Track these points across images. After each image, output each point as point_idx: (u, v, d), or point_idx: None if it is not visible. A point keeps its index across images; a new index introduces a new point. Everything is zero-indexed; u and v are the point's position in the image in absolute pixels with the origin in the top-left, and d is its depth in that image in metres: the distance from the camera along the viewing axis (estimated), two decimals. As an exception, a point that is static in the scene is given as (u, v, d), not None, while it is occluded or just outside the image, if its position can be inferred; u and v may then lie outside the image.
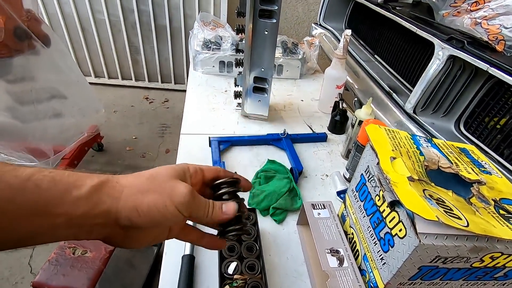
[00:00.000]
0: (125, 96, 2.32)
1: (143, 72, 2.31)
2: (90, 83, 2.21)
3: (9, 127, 1.39)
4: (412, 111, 0.74)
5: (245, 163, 0.77)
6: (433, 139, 0.48)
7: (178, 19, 2.03)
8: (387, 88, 0.88)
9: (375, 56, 1.05)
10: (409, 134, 0.48)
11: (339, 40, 1.28)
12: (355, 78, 1.04)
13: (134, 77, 2.33)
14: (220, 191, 0.33)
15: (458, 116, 0.69)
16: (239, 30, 0.79)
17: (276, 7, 0.73)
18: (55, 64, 1.37)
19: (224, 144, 0.80)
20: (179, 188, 0.27)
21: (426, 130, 0.71)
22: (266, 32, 0.76)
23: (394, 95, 0.84)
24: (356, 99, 0.97)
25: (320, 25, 1.37)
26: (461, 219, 0.33)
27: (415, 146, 0.45)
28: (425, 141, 0.47)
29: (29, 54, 1.22)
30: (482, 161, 0.46)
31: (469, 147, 0.49)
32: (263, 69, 0.83)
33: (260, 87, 0.87)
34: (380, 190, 0.41)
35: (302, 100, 1.07)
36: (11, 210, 0.20)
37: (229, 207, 0.30)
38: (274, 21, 0.74)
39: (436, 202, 0.35)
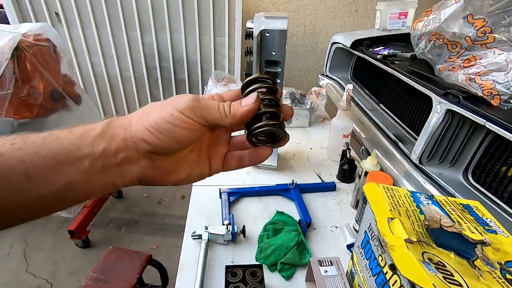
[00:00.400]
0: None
1: (163, 121, 2.46)
2: (114, 132, 2.36)
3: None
4: (418, 161, 0.75)
5: (255, 215, 0.79)
6: (434, 196, 0.49)
7: (196, 73, 2.21)
8: (392, 137, 0.90)
9: (380, 105, 1.09)
10: (408, 191, 0.49)
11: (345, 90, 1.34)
12: (361, 127, 1.07)
13: (155, 126, 2.48)
14: (248, 89, 0.28)
15: (466, 166, 0.69)
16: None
17: (280, 69, 0.80)
18: (84, 119, 1.50)
19: (234, 196, 0.82)
20: (181, 97, 0.27)
21: (434, 180, 0.70)
22: (272, 91, 0.82)
23: (400, 144, 0.85)
24: (363, 147, 0.99)
25: (326, 75, 1.46)
26: (461, 286, 0.33)
27: (415, 204, 0.46)
28: (426, 198, 0.48)
29: (62, 111, 1.36)
30: (487, 219, 0.45)
31: (473, 203, 0.48)
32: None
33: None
34: (382, 251, 0.41)
35: (311, 148, 1.10)
36: (39, 162, 0.22)
37: (247, 99, 0.27)
38: (278, 81, 0.81)
39: (435, 267, 0.35)
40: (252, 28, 0.77)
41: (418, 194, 0.48)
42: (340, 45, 1.33)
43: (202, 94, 2.20)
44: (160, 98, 2.32)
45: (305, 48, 2.45)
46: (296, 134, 1.22)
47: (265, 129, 0.27)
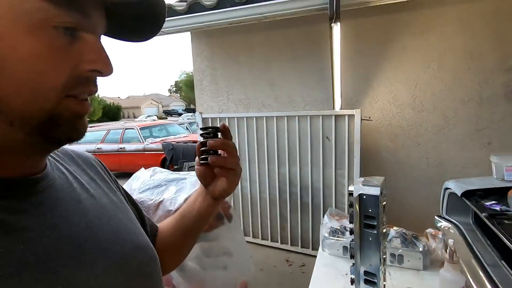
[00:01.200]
0: (270, 256, 2.78)
1: (287, 237, 2.80)
2: (247, 241, 2.85)
3: (194, 271, 2.01)
4: None
5: None
6: None
7: (318, 198, 2.57)
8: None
9: (502, 261, 1.05)
10: None
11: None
12: (479, 284, 1.03)
13: (280, 240, 2.84)
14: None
15: None
16: (351, 232, 1.10)
17: (376, 223, 1.02)
18: (231, 232, 2.02)
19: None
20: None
21: None
22: (370, 239, 1.03)
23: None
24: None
25: (443, 218, 1.47)
26: None
27: None
28: None
29: (219, 227, 1.92)
30: None
31: None
32: (371, 265, 1.04)
33: (370, 280, 1.06)
34: None
35: (422, 296, 1.11)
36: (188, 216, 0.58)
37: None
38: (375, 232, 1.02)
39: None
40: (353, 191, 1.07)
41: None
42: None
43: (323, 218, 2.46)
44: (287, 217, 2.73)
45: (429, 179, 2.44)
46: (408, 276, 1.25)
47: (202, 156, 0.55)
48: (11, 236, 0.30)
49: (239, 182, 2.85)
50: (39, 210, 0.34)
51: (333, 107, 2.48)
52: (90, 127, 8.30)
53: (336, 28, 1.92)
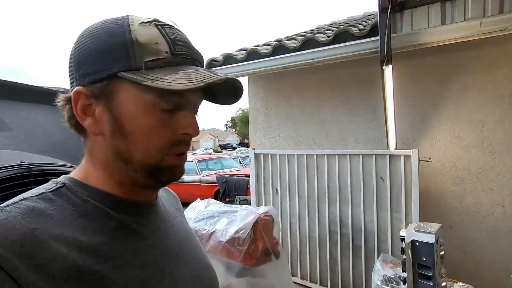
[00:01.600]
0: (319, 301, 2.62)
1: (337, 281, 2.63)
2: (294, 282, 2.76)
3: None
4: None
5: None
6: None
7: (372, 242, 2.41)
8: None
9: None
10: None
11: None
12: None
13: (330, 285, 2.67)
14: None
15: None
16: (404, 281, 1.04)
17: (431, 274, 0.95)
18: (278, 270, 2.01)
19: None
20: None
21: None
22: (425, 292, 0.96)
23: None
24: None
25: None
26: None
27: None
28: None
29: (267, 263, 1.93)
30: None
31: None
32: (427, 322, 0.96)
33: None
34: None
35: None
36: None
37: None
38: (431, 284, 0.95)
39: None
40: (404, 236, 1.03)
41: None
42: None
43: (376, 262, 2.29)
44: (338, 260, 2.60)
45: (510, 231, 2.12)
46: None
47: None
48: (140, 242, 0.45)
49: (288, 218, 2.85)
50: (152, 226, 0.49)
51: (387, 147, 2.41)
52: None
53: (388, 70, 1.95)
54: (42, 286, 0.33)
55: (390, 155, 2.30)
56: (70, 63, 0.45)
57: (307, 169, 2.73)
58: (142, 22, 0.43)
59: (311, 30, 3.47)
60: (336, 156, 2.57)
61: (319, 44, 2.25)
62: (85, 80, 0.43)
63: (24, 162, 0.62)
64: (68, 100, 0.45)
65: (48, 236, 0.36)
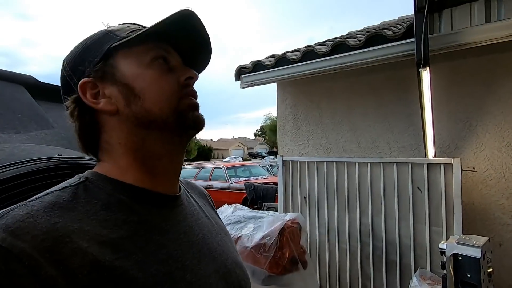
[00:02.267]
0: (350, 318, 2.47)
1: (370, 298, 2.47)
2: (324, 296, 2.63)
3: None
4: None
5: None
6: None
7: (408, 257, 2.24)
8: None
9: None
10: None
11: None
12: None
13: (361, 301, 2.52)
14: None
15: None
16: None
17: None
18: (305, 280, 1.94)
19: None
20: None
21: None
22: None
23: None
24: None
25: None
26: None
27: None
28: None
29: (294, 273, 1.87)
30: None
31: None
32: None
33: None
34: None
35: None
36: None
37: None
38: (477, 304, 0.85)
39: None
40: (445, 249, 0.93)
41: None
42: None
43: (412, 278, 2.12)
44: (370, 275, 2.45)
45: None
46: None
47: None
48: (162, 236, 0.45)
49: (316, 228, 2.75)
50: (175, 220, 0.49)
51: (425, 155, 2.25)
52: (186, 165, 9.49)
53: (425, 73, 1.84)
54: (62, 281, 0.33)
55: (428, 164, 2.15)
56: (65, 75, 0.49)
57: (337, 178, 2.64)
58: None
59: (342, 35, 3.40)
60: (368, 164, 2.45)
61: (350, 48, 2.19)
62: (85, 73, 0.47)
63: (61, 155, 0.66)
64: (76, 103, 0.48)
65: (69, 230, 0.36)
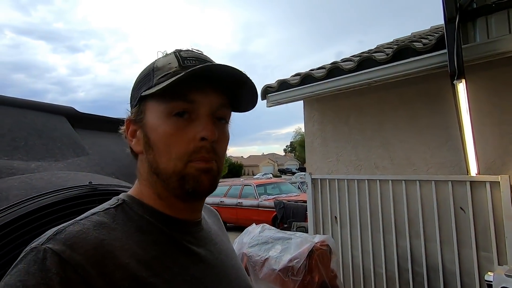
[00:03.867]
0: None
1: (412, 330, 2.25)
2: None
3: None
4: None
5: None
6: None
7: (454, 285, 2.02)
8: None
9: None
10: None
11: None
12: None
13: (402, 333, 2.30)
14: None
15: None
16: None
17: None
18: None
19: None
20: None
21: None
22: None
23: None
24: None
25: None
26: None
27: None
28: None
29: (324, 298, 1.77)
30: None
31: None
32: None
33: None
34: None
35: None
36: None
37: None
38: None
39: None
40: (491, 281, 0.83)
41: None
42: None
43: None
44: (411, 303, 2.24)
45: None
46: None
47: None
48: (187, 258, 0.47)
49: (349, 251, 2.61)
50: (197, 244, 0.51)
51: (467, 172, 2.08)
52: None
53: (461, 85, 1.73)
54: None
55: (471, 182, 1.98)
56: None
57: (369, 196, 2.51)
58: (166, 53, 0.51)
59: (370, 49, 3.34)
60: (403, 182, 2.31)
61: (377, 63, 2.14)
62: (131, 110, 0.52)
63: (91, 183, 0.71)
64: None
65: (113, 247, 0.40)
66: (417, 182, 2.22)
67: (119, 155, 0.96)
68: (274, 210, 6.06)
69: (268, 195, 7.33)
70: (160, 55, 0.51)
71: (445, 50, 1.76)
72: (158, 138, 0.47)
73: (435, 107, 2.36)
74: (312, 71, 2.66)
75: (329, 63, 2.81)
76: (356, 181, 2.59)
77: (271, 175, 29.74)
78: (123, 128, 0.53)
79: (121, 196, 0.50)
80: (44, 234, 0.40)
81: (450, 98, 2.03)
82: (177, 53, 0.49)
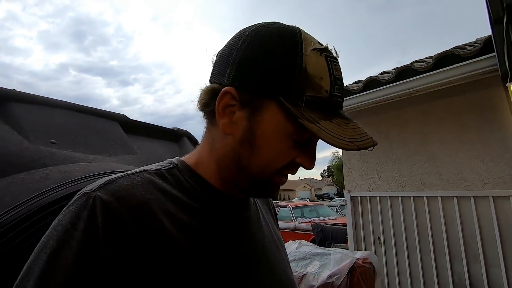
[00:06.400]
0: None
1: None
2: None
3: None
4: None
5: None
6: None
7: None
8: None
9: None
10: None
11: None
12: None
13: None
14: None
15: None
16: None
17: None
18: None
19: None
20: None
21: None
22: None
23: None
24: None
25: None
26: None
27: None
28: None
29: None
30: None
31: None
32: None
33: None
34: None
35: None
36: None
37: None
38: None
39: None
40: None
41: None
42: None
43: None
44: None
45: None
46: None
47: None
48: (228, 234, 0.47)
49: (396, 276, 2.38)
50: (241, 224, 0.50)
51: (533, 186, 1.84)
52: (253, 204, 9.55)
53: (515, 88, 1.59)
54: (142, 248, 0.38)
55: (538, 197, 1.74)
56: (226, 56, 0.45)
57: (416, 215, 2.32)
58: (315, 49, 0.43)
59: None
60: (455, 198, 2.11)
61: (417, 72, 2.07)
62: (237, 83, 0.43)
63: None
64: (212, 90, 0.46)
65: (157, 207, 0.41)
66: (472, 198, 2.02)
67: (163, 158, 1.05)
68: (312, 233, 5.81)
69: (305, 218, 7.08)
70: (307, 44, 0.43)
71: (494, 54, 1.66)
72: (267, 149, 0.44)
73: (487, 117, 2.17)
74: (347, 86, 2.64)
75: (366, 77, 2.77)
76: (400, 198, 2.42)
77: (308, 200, 28.84)
78: (209, 87, 0.47)
79: (174, 160, 0.49)
80: (97, 181, 0.41)
81: (503, 107, 1.87)
82: (330, 64, 0.43)
